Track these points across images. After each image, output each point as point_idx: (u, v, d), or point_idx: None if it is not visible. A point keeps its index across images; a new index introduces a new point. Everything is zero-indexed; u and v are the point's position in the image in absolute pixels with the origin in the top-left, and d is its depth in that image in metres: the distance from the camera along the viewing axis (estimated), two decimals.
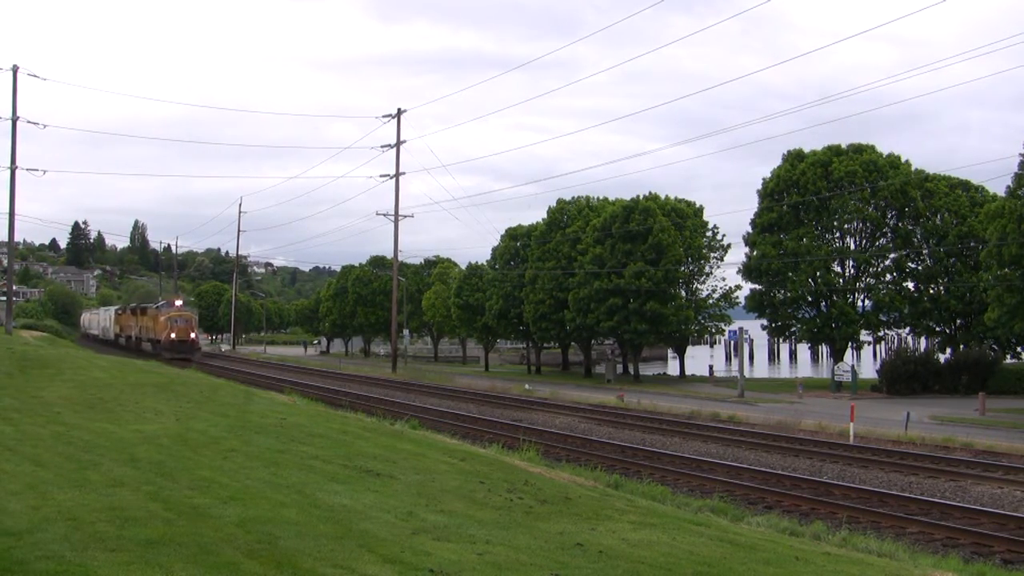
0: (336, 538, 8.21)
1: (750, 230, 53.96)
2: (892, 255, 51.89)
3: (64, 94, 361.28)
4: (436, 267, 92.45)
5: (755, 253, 52.40)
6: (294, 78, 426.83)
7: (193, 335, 64.74)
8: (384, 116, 56.29)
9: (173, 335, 62.69)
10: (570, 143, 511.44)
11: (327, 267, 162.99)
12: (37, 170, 49.37)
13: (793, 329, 54.20)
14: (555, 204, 64.60)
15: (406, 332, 79.93)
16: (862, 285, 51.92)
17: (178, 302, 68.90)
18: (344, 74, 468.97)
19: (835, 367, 50.71)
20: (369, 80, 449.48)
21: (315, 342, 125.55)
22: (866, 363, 77.45)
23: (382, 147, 56.93)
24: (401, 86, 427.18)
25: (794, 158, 52.48)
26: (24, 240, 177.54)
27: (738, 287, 58.25)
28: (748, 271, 52.94)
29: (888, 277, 51.94)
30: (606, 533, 9.42)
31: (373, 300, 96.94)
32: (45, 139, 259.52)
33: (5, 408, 17.14)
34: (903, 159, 52.03)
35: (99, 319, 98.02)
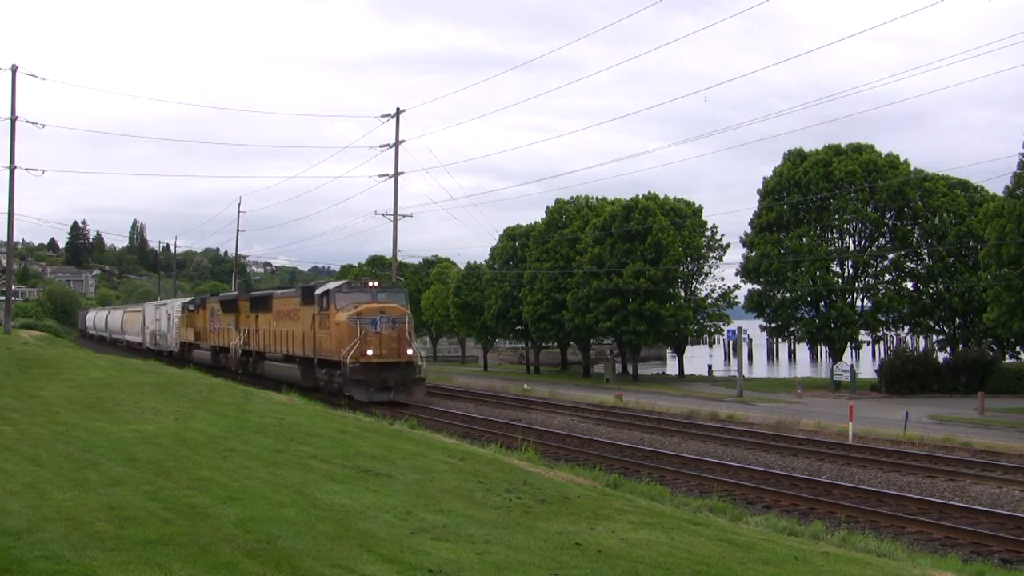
0: (335, 538, 8.21)
1: (748, 230, 53.99)
2: (891, 255, 51.91)
3: (64, 94, 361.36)
4: (435, 267, 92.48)
5: (753, 254, 52.42)
6: (297, 78, 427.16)
7: (411, 351, 33.14)
8: (383, 116, 56.23)
9: (370, 351, 31.87)
10: (573, 142, 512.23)
11: (326, 267, 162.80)
12: (36, 170, 49.31)
13: (792, 329, 54.21)
14: (554, 204, 64.68)
15: None
16: (861, 285, 51.94)
17: (372, 283, 35.64)
18: (348, 73, 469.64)
19: (834, 367, 50.72)
20: (373, 80, 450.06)
21: None
22: (865, 363, 77.45)
23: (381, 147, 56.84)
24: (405, 85, 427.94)
25: (795, 157, 52.50)
26: (23, 240, 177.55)
27: (737, 287, 58.38)
28: (746, 272, 52.96)
29: (887, 277, 51.97)
30: (605, 533, 9.42)
31: None
32: (45, 139, 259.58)
33: (4, 408, 17.15)
34: (902, 159, 52.08)
35: (143, 319, 66.07)
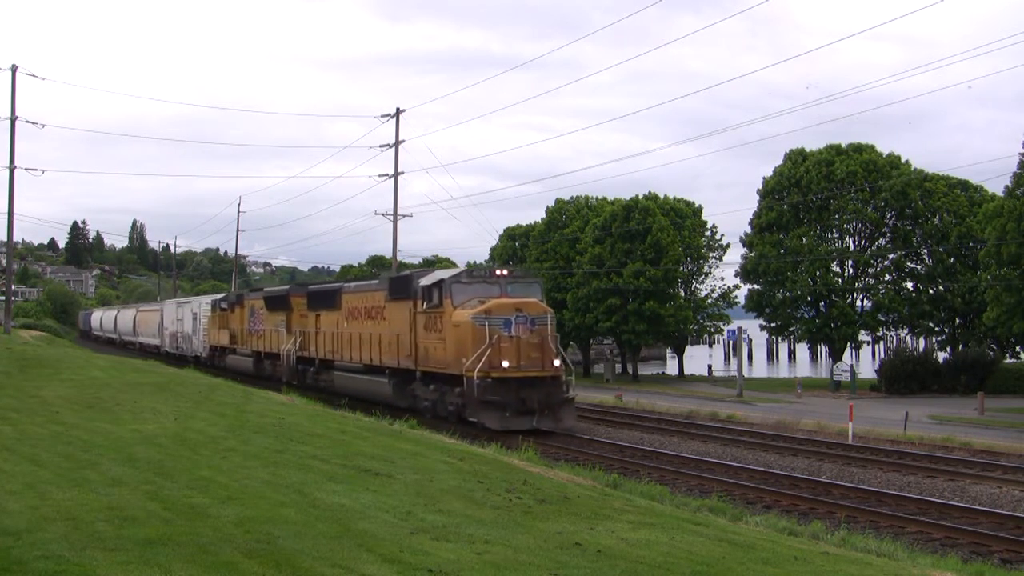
0: (335, 538, 8.21)
1: (748, 230, 54.00)
2: (891, 255, 51.93)
3: (64, 94, 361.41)
4: (435, 267, 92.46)
5: (752, 254, 52.42)
6: (298, 78, 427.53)
7: (557, 362, 25.05)
8: (383, 116, 56.23)
9: (506, 362, 24.01)
10: (573, 142, 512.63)
11: (326, 267, 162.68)
12: (36, 170, 49.33)
13: (792, 329, 54.22)
14: (554, 204, 64.69)
15: None
16: (861, 285, 51.95)
17: (501, 272, 26.92)
18: (350, 73, 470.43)
19: (834, 367, 50.71)
20: (373, 80, 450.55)
21: None
22: (865, 363, 77.45)
23: (381, 147, 56.85)
24: (405, 85, 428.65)
25: (796, 156, 52.51)
26: (23, 240, 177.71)
27: (736, 287, 58.39)
28: (745, 272, 52.97)
29: (887, 277, 51.98)
30: (604, 533, 9.42)
31: None
32: (45, 139, 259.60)
33: (4, 408, 17.15)
34: (903, 159, 52.10)
35: (161, 320, 59.19)
